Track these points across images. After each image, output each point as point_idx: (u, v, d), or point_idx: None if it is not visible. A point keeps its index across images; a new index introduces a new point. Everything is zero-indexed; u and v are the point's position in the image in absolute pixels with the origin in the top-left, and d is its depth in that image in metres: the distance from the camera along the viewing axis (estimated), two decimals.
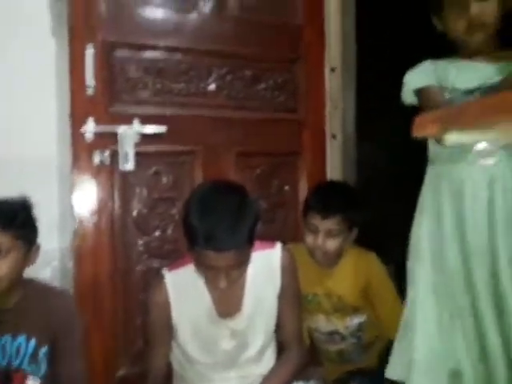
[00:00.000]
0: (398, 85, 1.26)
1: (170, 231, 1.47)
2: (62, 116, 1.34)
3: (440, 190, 1.13)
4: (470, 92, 1.10)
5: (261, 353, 1.20)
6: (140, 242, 1.44)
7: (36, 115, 1.31)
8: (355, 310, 1.45)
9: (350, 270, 1.43)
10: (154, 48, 1.43)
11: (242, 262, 1.04)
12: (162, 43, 1.44)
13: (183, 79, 1.49)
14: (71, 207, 1.35)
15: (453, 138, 0.49)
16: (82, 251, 1.35)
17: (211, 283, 1.08)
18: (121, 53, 1.39)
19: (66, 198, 1.35)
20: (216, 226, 0.97)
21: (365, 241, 1.61)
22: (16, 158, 1.27)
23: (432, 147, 1.16)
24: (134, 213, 1.43)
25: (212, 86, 1.54)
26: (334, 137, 1.82)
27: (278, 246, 1.20)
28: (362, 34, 2.00)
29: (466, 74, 1.13)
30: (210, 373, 1.17)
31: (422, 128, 0.50)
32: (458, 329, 1.09)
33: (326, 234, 1.35)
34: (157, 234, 1.46)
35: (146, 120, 1.40)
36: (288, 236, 1.69)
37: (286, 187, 1.72)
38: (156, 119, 1.42)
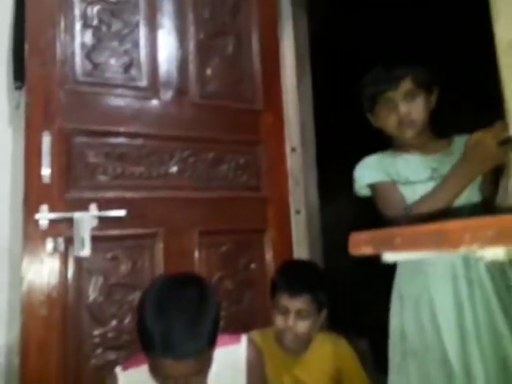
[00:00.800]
0: (356, 155, 1.31)
1: (127, 320, 1.39)
2: (16, 203, 1.31)
3: (421, 274, 1.17)
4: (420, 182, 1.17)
5: None
6: (95, 333, 1.35)
7: None
8: None
9: (319, 357, 1.37)
10: (114, 134, 1.45)
11: (204, 368, 0.97)
12: (122, 129, 1.47)
13: (144, 163, 1.50)
14: (20, 299, 1.27)
15: (390, 257, 0.50)
16: (29, 345, 1.25)
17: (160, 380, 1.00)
18: (80, 139, 1.40)
19: (15, 288, 1.28)
20: (173, 330, 0.89)
21: (335, 317, 1.56)
22: None
23: None
24: (89, 301, 1.35)
25: (174, 169, 1.56)
26: (297, 212, 1.85)
27: (244, 339, 1.14)
28: (320, 115, 2.12)
29: (417, 166, 1.20)
30: None
31: (357, 247, 0.51)
32: None
33: (296, 315, 1.30)
34: (113, 323, 1.37)
35: (104, 204, 1.38)
36: (256, 316, 1.64)
37: (253, 265, 1.69)
38: (115, 203, 1.40)
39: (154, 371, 0.96)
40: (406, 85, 1.19)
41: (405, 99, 1.19)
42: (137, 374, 1.04)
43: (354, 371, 1.38)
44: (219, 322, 0.99)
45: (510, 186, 0.60)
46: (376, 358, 1.41)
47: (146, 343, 0.93)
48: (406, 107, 1.19)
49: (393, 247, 0.50)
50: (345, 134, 2.67)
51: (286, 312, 1.31)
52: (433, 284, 1.15)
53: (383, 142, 1.32)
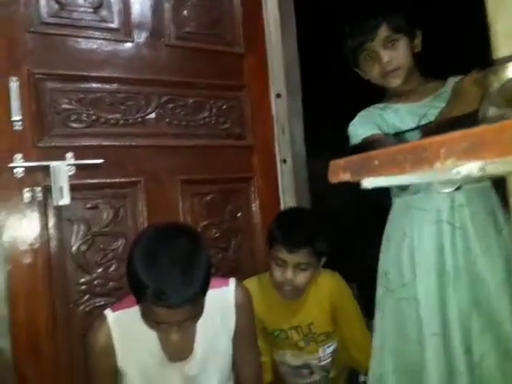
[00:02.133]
0: (344, 103, 1.28)
1: (113, 268, 1.39)
2: None
3: (407, 217, 1.17)
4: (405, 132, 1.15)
5: None
6: (81, 280, 1.35)
7: None
8: (327, 337, 1.40)
9: (316, 295, 1.38)
10: (86, 79, 1.40)
11: (196, 315, 0.98)
12: (95, 74, 1.41)
13: (120, 109, 1.45)
14: (3, 249, 1.26)
15: (369, 182, 0.47)
16: (17, 294, 1.25)
17: (161, 336, 1.01)
18: (50, 85, 1.34)
19: None
20: (166, 279, 0.89)
21: (325, 263, 1.57)
22: None
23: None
24: (73, 250, 1.35)
25: (152, 115, 1.51)
26: (284, 161, 1.82)
27: (232, 282, 1.14)
28: (305, 59, 2.04)
29: (405, 116, 1.17)
30: None
31: (335, 174, 0.48)
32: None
33: (295, 267, 1.28)
34: (99, 271, 1.37)
35: (81, 152, 1.35)
36: (242, 264, 1.64)
37: (239, 213, 1.68)
38: (92, 151, 1.37)
39: (146, 316, 0.97)
40: (383, 32, 1.15)
41: (384, 47, 1.16)
42: (126, 315, 1.04)
43: (348, 307, 1.39)
44: (211, 270, 0.99)
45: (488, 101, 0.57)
46: (365, 303, 1.42)
47: (138, 292, 0.93)
48: (387, 55, 1.16)
49: (371, 170, 0.48)
50: (333, 79, 2.59)
51: (284, 265, 1.29)
52: (417, 226, 1.16)
53: (374, 88, 1.28)
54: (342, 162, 0.50)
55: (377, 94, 1.30)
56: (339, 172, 0.50)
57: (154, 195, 1.48)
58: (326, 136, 2.49)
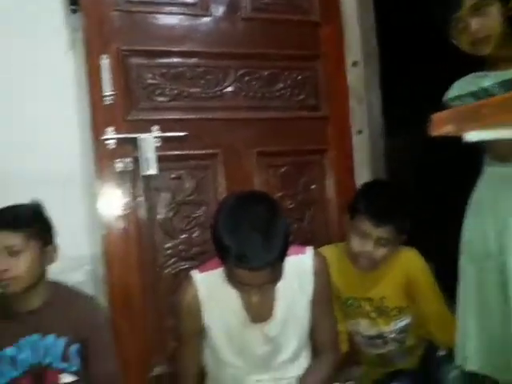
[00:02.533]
0: (424, 74, 1.22)
1: (196, 234, 1.47)
2: (84, 127, 1.39)
3: (497, 188, 1.12)
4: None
5: (295, 356, 1.17)
6: (167, 245, 1.45)
7: (59, 128, 1.36)
8: (400, 312, 1.38)
9: (392, 270, 1.35)
10: (169, 54, 1.46)
11: (276, 279, 1.02)
12: (176, 48, 1.46)
13: (200, 83, 1.50)
14: (98, 214, 1.38)
15: (473, 136, 0.45)
16: (112, 256, 1.37)
17: (243, 296, 1.07)
18: (136, 60, 1.42)
19: (92, 205, 1.39)
20: (248, 244, 0.94)
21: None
22: (42, 170, 1.31)
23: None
24: (160, 217, 1.44)
25: (229, 88, 1.54)
26: (359, 132, 1.78)
27: (310, 250, 1.16)
28: (382, 26, 1.95)
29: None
30: (243, 376, 1.14)
31: (438, 127, 0.47)
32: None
33: (376, 242, 1.25)
34: (183, 236, 1.46)
35: (166, 125, 1.42)
36: (316, 235, 1.65)
37: (313, 186, 1.68)
38: (176, 124, 1.44)
39: (230, 277, 1.02)
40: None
41: (473, 15, 1.09)
42: (212, 276, 1.11)
43: (425, 283, 1.35)
44: (289, 237, 1.02)
45: None
46: (443, 283, 1.37)
47: (222, 255, 0.99)
48: (476, 23, 1.09)
49: (478, 121, 0.46)
50: (413, 45, 2.45)
51: (365, 237, 1.26)
52: (502, 193, 1.09)
53: (458, 54, 1.21)
54: (445, 113, 0.48)
55: (464, 63, 1.22)
56: (441, 124, 0.49)
57: (232, 167, 1.53)
58: (404, 106, 2.38)
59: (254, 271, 0.95)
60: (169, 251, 1.45)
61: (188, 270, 1.35)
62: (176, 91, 1.46)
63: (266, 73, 1.61)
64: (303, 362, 1.19)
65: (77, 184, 1.38)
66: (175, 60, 1.47)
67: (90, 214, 1.40)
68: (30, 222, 1.07)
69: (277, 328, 1.12)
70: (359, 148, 1.76)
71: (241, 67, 1.57)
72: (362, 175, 1.75)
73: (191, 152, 1.48)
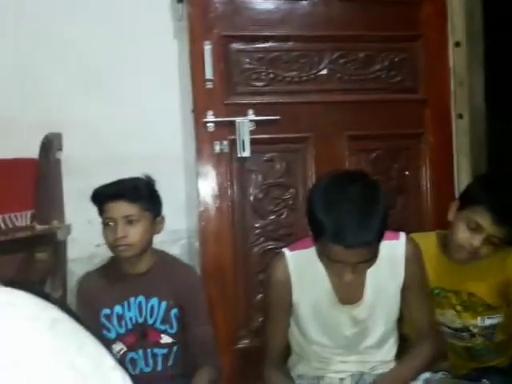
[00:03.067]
0: None
1: (284, 216, 1.52)
2: (185, 111, 1.48)
3: None
4: None
5: (382, 341, 1.16)
6: (257, 225, 1.51)
7: (164, 111, 1.46)
8: (489, 310, 1.31)
9: (485, 267, 1.27)
10: (265, 38, 1.49)
11: (371, 258, 1.01)
12: (272, 33, 1.49)
13: (295, 67, 1.52)
14: (196, 192, 1.48)
15: None
16: (206, 232, 1.47)
17: (335, 274, 1.07)
18: (235, 46, 1.47)
19: (191, 184, 1.49)
20: (345, 221, 0.93)
21: None
22: (147, 152, 1.43)
23: None
24: (251, 197, 1.51)
25: (324, 71, 1.54)
26: (460, 116, 1.68)
27: (403, 236, 1.14)
28: (488, 5, 1.80)
29: None
30: (328, 355, 1.16)
31: None
32: None
33: (487, 238, 1.14)
34: (272, 217, 1.51)
35: (260, 109, 1.47)
36: (408, 223, 1.60)
37: (407, 172, 1.63)
38: (270, 108, 1.48)
39: (323, 255, 1.03)
40: None
41: None
42: (303, 255, 1.13)
43: None
44: (387, 219, 1.00)
45: None
46: None
47: (317, 231, 0.99)
48: None
49: None
50: None
51: (476, 230, 1.16)
52: None
53: None
54: None
55: None
56: None
57: (322, 150, 1.54)
58: (508, 90, 2.19)
59: (350, 249, 0.94)
60: (258, 230, 1.51)
61: (275, 250, 1.41)
62: (271, 75, 1.50)
63: (361, 55, 1.58)
64: (389, 348, 1.18)
65: (179, 163, 1.49)
66: (272, 44, 1.50)
67: (189, 191, 1.50)
68: (146, 194, 1.17)
69: (365, 311, 1.13)
70: (459, 133, 1.66)
71: (336, 50, 1.55)
72: (462, 163, 1.66)
73: (283, 135, 1.51)
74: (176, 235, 1.48)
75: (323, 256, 1.04)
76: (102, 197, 1.15)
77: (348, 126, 1.55)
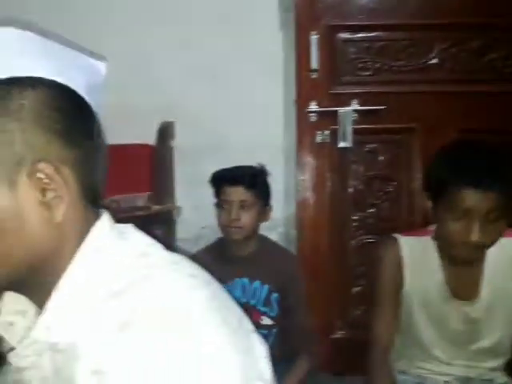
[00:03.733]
0: None
1: (385, 209, 1.48)
2: (288, 101, 1.51)
3: None
4: None
5: (497, 346, 1.07)
6: (355, 217, 1.49)
7: (266, 102, 1.50)
8: None
9: None
10: (373, 28, 1.46)
11: (502, 211, 0.92)
12: (380, 22, 1.46)
13: (403, 56, 1.47)
14: (295, 182, 1.50)
15: None
16: (304, 222, 1.48)
17: (447, 268, 1.02)
18: (341, 36, 1.46)
19: (290, 173, 1.51)
20: (478, 166, 0.91)
21: None
22: (249, 141, 1.48)
23: None
24: (351, 189, 1.49)
25: (434, 61, 1.47)
26: None
27: None
28: None
29: None
30: (435, 351, 1.10)
31: None
32: None
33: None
34: (372, 210, 1.48)
35: (365, 99, 1.44)
36: None
37: None
38: (375, 98, 1.45)
39: (449, 210, 0.94)
40: None
41: None
42: (416, 241, 1.07)
43: None
44: None
45: None
46: None
47: (447, 183, 0.94)
48: None
49: None
50: None
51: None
52: None
53: None
54: None
55: None
56: None
57: (429, 143, 1.46)
58: None
59: (483, 192, 0.89)
60: (356, 223, 1.49)
61: (372, 244, 1.37)
62: (378, 65, 1.47)
63: (474, 44, 1.48)
64: (504, 356, 1.09)
65: (278, 153, 1.52)
66: (379, 34, 1.47)
67: (287, 180, 1.53)
68: (260, 182, 1.23)
69: (480, 310, 1.06)
70: None
71: (447, 39, 1.48)
72: None
73: (387, 126, 1.47)
74: (273, 223, 1.51)
75: (446, 213, 0.94)
76: (222, 180, 1.22)
77: (458, 118, 1.47)
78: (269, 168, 1.35)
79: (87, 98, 0.43)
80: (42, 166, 0.38)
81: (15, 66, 0.39)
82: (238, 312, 0.45)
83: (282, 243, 1.51)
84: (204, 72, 1.50)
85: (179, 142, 1.48)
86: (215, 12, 1.50)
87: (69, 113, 0.40)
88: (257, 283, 1.23)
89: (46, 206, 0.38)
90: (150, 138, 1.46)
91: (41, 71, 0.40)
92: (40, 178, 0.38)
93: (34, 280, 0.39)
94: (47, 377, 0.40)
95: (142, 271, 0.40)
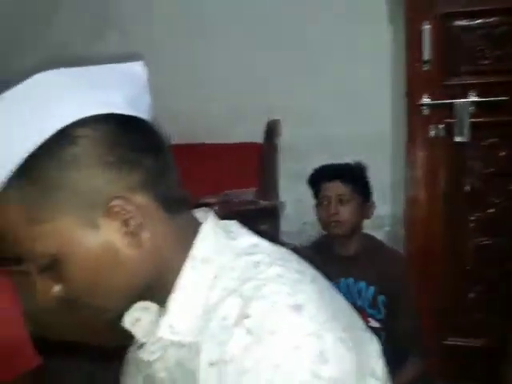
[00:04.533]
0: None
1: (507, 209, 1.35)
2: (396, 95, 1.45)
3: None
4: None
5: None
6: (472, 217, 1.39)
7: (373, 97, 1.46)
8: None
9: None
10: (491, 13, 1.35)
11: None
12: (499, 5, 1.34)
13: None
14: (404, 178, 1.43)
15: None
16: (413, 221, 1.41)
17: None
18: (457, 23, 1.38)
19: (398, 169, 1.45)
20: None
21: None
22: (355, 136, 1.45)
23: None
24: (467, 187, 1.39)
25: None
26: None
27: None
28: None
29: None
30: None
31: None
32: None
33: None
34: (491, 210, 1.37)
35: (484, 90, 1.34)
36: None
37: None
38: (495, 88, 1.34)
39: None
40: None
41: None
42: None
43: None
44: None
45: None
46: None
47: None
48: None
49: None
50: None
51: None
52: None
53: None
54: None
55: None
56: None
57: None
58: None
59: None
60: (473, 224, 1.39)
61: (491, 247, 1.26)
62: (498, 52, 1.35)
63: None
64: None
65: (386, 148, 1.47)
66: (498, 19, 1.36)
67: (396, 177, 1.47)
68: (357, 178, 1.21)
69: None
70: None
71: None
72: None
73: (508, 118, 1.35)
74: (379, 221, 1.46)
75: None
76: (320, 177, 1.22)
77: None
78: (376, 164, 1.32)
79: (134, 104, 0.42)
80: (113, 203, 0.39)
81: (56, 108, 0.39)
82: (348, 309, 0.44)
83: (389, 243, 1.45)
84: (308, 69, 1.51)
85: (284, 139, 1.50)
86: (317, 9, 1.50)
87: (120, 142, 0.40)
88: (362, 284, 1.20)
89: (132, 234, 0.40)
90: (257, 136, 1.50)
91: (81, 97, 0.40)
92: (117, 212, 0.39)
93: (151, 293, 0.42)
94: (171, 367, 0.42)
95: (252, 269, 0.41)
